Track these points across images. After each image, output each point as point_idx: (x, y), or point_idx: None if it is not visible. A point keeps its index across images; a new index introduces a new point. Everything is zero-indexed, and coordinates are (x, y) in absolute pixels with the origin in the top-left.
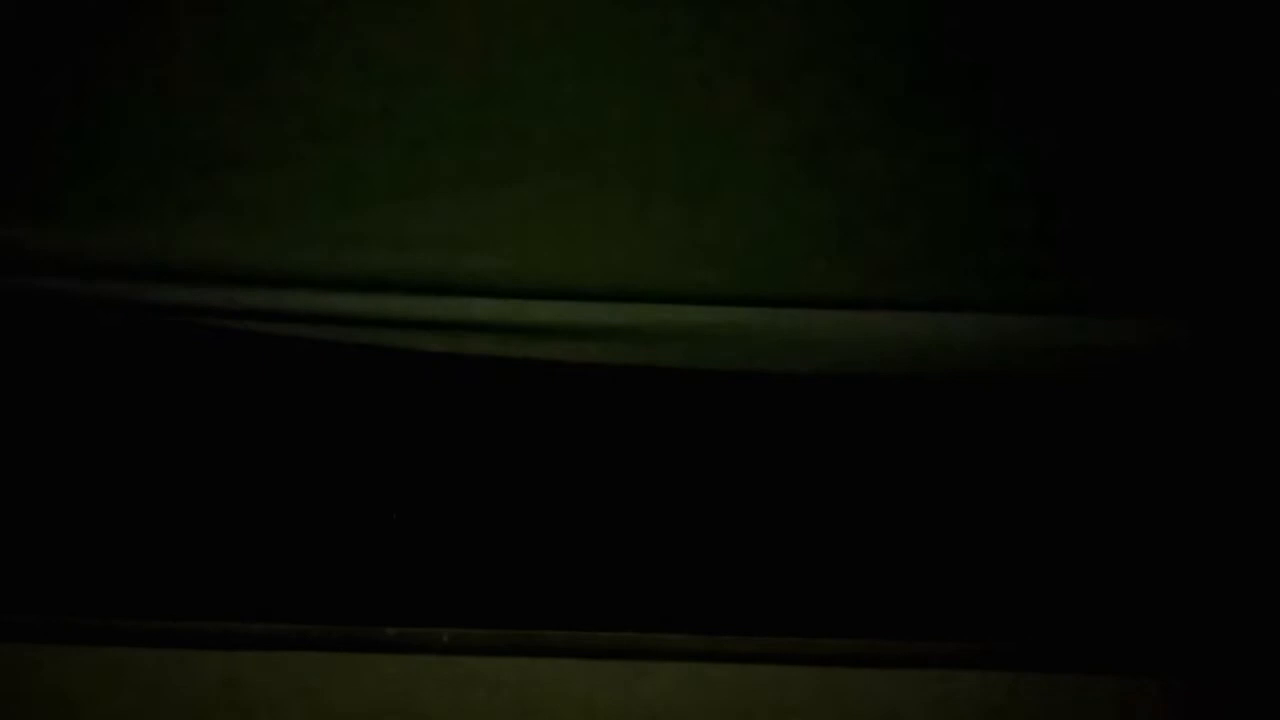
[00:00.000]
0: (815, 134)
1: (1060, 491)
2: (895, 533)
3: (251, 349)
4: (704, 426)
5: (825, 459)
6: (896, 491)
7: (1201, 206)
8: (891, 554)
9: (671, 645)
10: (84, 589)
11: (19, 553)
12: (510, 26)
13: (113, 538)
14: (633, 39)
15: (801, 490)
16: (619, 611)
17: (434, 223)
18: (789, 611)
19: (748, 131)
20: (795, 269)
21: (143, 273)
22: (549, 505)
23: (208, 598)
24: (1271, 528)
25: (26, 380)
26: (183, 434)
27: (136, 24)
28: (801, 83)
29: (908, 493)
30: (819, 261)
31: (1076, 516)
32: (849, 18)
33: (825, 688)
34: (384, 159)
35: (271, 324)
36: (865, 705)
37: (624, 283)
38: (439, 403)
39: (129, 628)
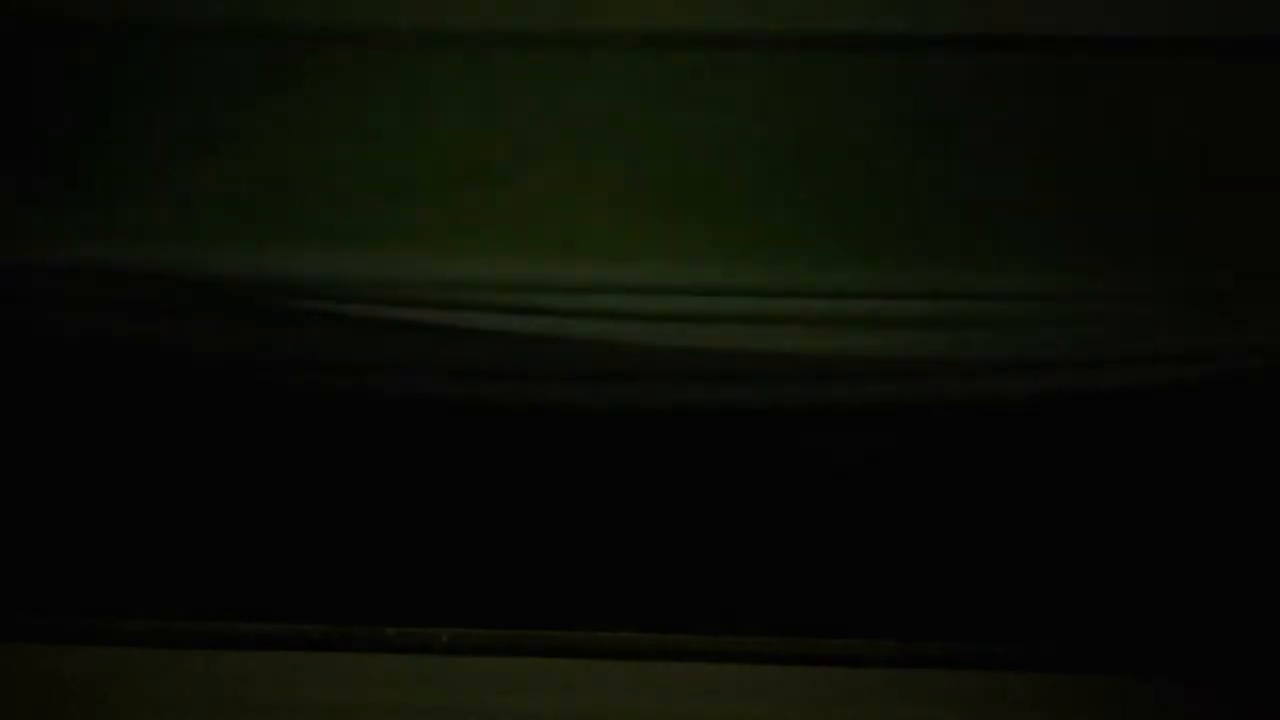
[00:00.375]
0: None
1: (1059, 491)
2: (894, 532)
3: (246, 345)
4: (703, 425)
5: (825, 458)
6: (895, 491)
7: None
8: (890, 554)
9: (672, 645)
10: (84, 589)
11: (19, 553)
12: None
13: (112, 537)
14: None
15: (801, 489)
16: (619, 611)
17: (432, 221)
18: (789, 611)
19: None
20: (796, 260)
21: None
22: (549, 504)
23: (208, 598)
24: (1271, 527)
25: (23, 382)
26: (181, 432)
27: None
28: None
29: (906, 492)
30: (821, 250)
31: (1074, 517)
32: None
33: (826, 688)
34: (378, 156)
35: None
36: (866, 705)
37: (624, 275)
38: (436, 400)
39: (129, 628)
